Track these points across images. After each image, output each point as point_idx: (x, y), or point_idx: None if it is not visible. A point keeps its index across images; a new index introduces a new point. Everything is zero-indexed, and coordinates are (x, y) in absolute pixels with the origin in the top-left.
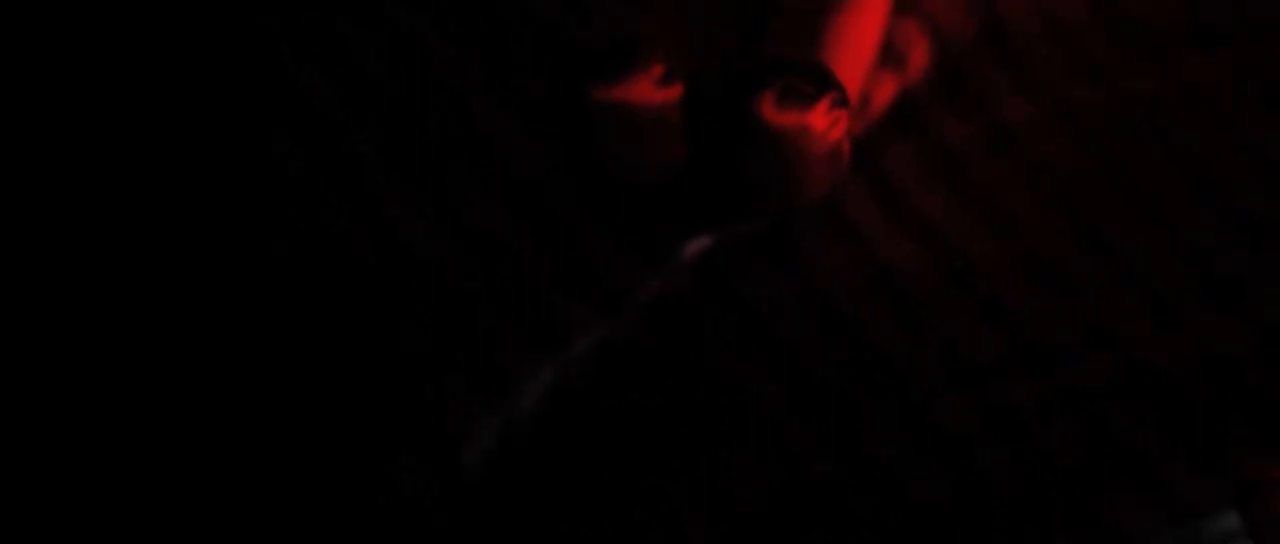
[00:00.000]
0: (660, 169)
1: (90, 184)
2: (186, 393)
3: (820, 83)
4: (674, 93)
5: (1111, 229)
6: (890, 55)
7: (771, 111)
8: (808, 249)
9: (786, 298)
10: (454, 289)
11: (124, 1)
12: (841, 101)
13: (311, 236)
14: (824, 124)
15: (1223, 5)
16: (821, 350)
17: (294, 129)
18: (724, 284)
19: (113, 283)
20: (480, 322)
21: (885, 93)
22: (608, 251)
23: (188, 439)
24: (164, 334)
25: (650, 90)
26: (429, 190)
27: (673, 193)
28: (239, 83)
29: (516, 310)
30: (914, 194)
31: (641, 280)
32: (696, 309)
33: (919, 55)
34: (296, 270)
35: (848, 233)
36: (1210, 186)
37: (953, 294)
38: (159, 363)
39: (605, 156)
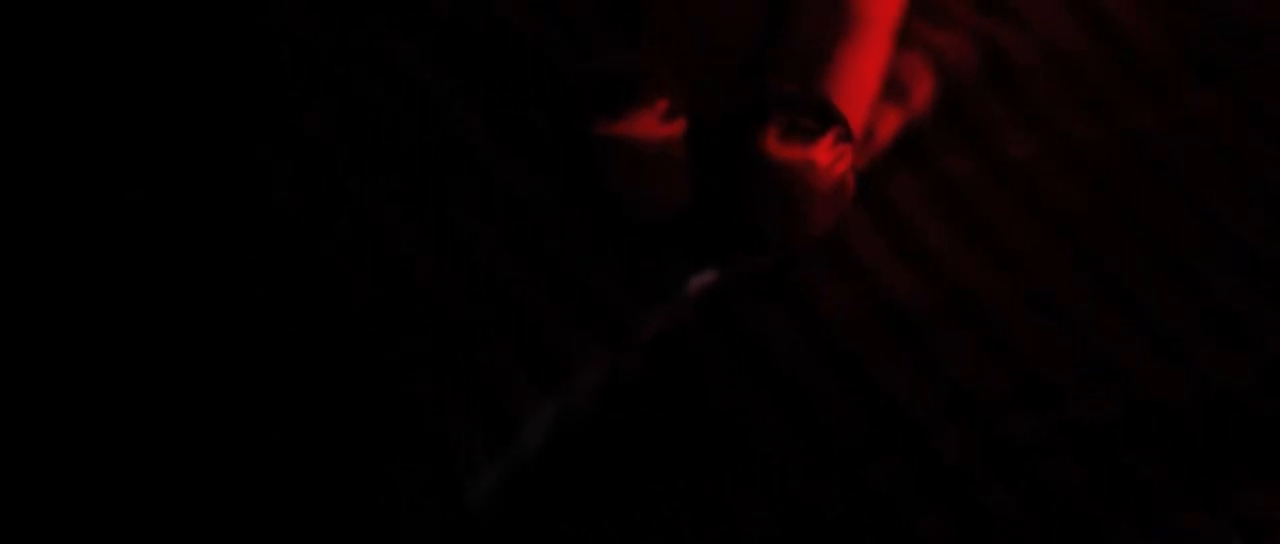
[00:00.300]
0: (664, 204)
1: (100, 219)
2: (193, 426)
3: (824, 117)
4: (677, 128)
5: (1114, 263)
6: (894, 88)
7: (775, 146)
8: (811, 283)
9: (790, 332)
10: (457, 324)
11: (142, 53)
12: (845, 136)
13: (315, 273)
14: (828, 159)
15: (1223, 39)
16: (824, 384)
17: (299, 171)
18: (728, 318)
19: (122, 314)
20: (484, 357)
21: (889, 126)
22: (612, 286)
23: (194, 476)
24: (167, 380)
25: (654, 125)
26: (433, 227)
27: (677, 228)
28: (243, 121)
29: (520, 345)
30: (917, 227)
31: (646, 315)
32: (700, 343)
33: (922, 89)
34: (301, 307)
35: (851, 267)
36: (1212, 220)
37: (956, 328)
38: (163, 405)
39: (609, 192)
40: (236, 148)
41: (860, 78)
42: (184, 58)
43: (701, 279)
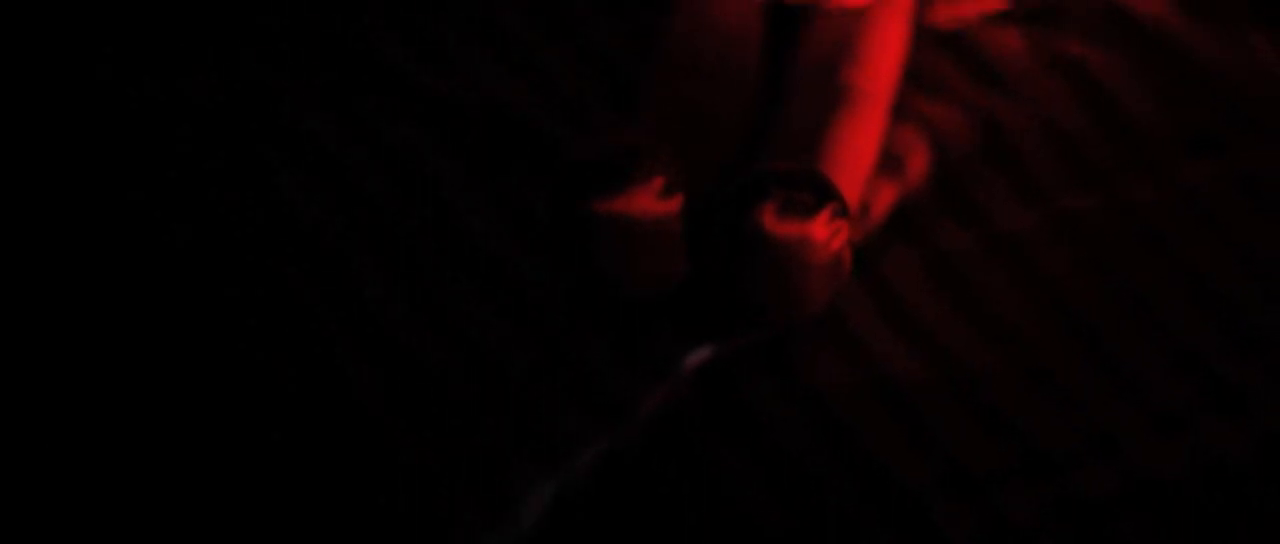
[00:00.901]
0: (660, 280)
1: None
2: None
3: (820, 193)
4: (674, 204)
5: (1111, 336)
6: (889, 162)
7: (772, 222)
8: (806, 357)
9: (785, 405)
10: (454, 402)
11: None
12: (842, 211)
13: (310, 352)
14: (824, 234)
15: (1219, 111)
16: (819, 457)
17: (291, 249)
18: (725, 395)
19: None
20: (481, 436)
21: (884, 200)
22: (609, 363)
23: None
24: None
25: (650, 202)
26: (428, 304)
27: (673, 304)
28: (236, 206)
29: (517, 424)
30: (914, 302)
31: (643, 392)
32: (698, 420)
33: (918, 162)
34: (297, 385)
35: (846, 340)
36: (1208, 293)
37: (951, 401)
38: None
39: (606, 269)
40: (231, 255)
41: (856, 152)
42: (179, 172)
43: (697, 354)
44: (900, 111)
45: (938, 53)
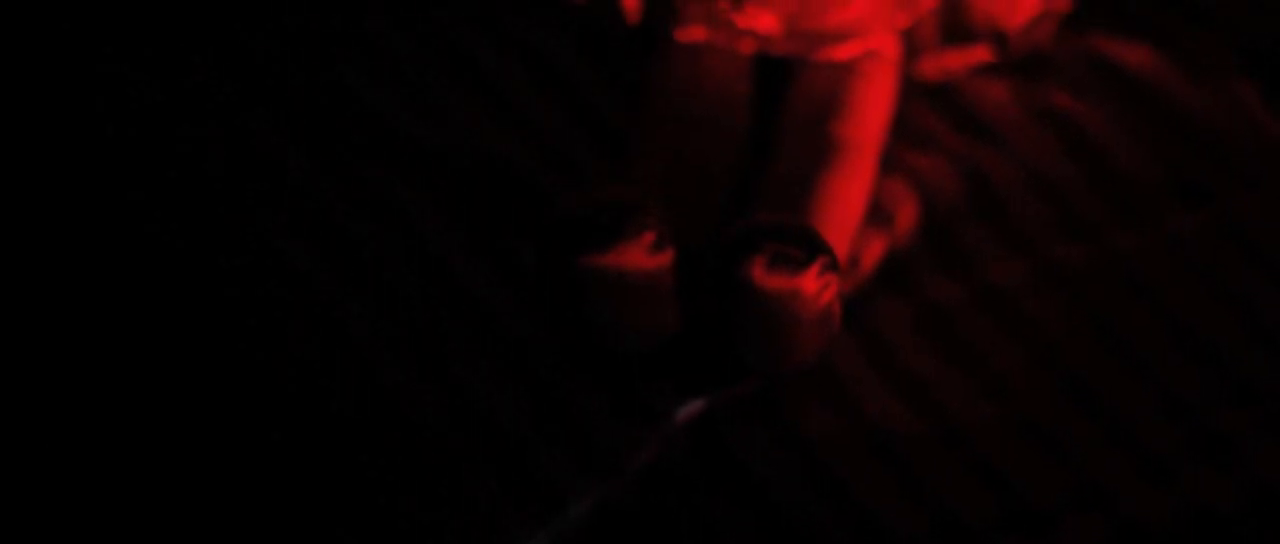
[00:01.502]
0: (652, 334)
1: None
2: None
3: (810, 247)
4: (665, 259)
5: (1100, 387)
6: (877, 214)
7: (762, 276)
8: (800, 411)
9: (780, 459)
10: (446, 456)
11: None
12: (832, 265)
13: (303, 406)
14: (815, 288)
15: (1206, 162)
16: (811, 509)
17: (284, 299)
18: (717, 448)
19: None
20: (473, 489)
21: (873, 252)
22: (600, 417)
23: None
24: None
25: (641, 257)
26: (419, 357)
27: (665, 357)
28: (226, 260)
29: (509, 477)
30: (904, 354)
31: (635, 446)
32: (690, 473)
33: (906, 214)
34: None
35: (837, 392)
36: (1197, 343)
37: (942, 452)
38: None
39: (597, 323)
40: (221, 307)
41: (845, 205)
42: (173, 228)
43: (689, 407)
44: (888, 164)
45: (925, 105)
